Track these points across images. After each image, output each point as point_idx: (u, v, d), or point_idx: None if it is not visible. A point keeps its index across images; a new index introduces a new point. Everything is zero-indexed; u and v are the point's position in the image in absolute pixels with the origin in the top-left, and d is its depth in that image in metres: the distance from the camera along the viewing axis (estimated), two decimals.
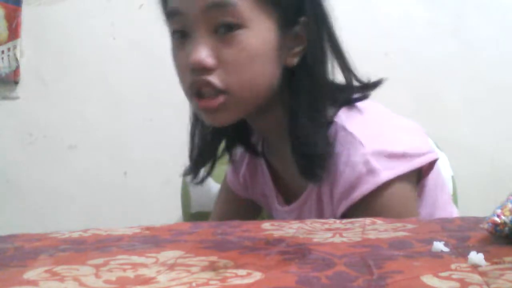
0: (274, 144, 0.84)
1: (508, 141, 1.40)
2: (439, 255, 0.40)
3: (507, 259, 0.38)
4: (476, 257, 0.37)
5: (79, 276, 0.36)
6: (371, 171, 0.70)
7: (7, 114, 1.40)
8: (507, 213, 0.43)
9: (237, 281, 0.34)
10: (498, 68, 1.36)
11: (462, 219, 0.55)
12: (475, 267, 0.36)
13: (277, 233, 0.51)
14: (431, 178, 0.79)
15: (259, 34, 0.69)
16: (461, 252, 0.40)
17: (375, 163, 0.70)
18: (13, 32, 1.38)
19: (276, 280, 0.34)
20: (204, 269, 0.37)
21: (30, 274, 0.37)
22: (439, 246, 0.41)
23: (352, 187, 0.71)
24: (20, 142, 1.39)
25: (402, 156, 0.71)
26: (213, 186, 1.11)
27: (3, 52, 1.38)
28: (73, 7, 1.37)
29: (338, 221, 0.56)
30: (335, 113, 0.74)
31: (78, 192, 1.37)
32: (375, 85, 0.78)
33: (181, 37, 0.72)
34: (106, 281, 0.35)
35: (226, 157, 0.97)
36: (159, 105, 1.33)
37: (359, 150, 0.71)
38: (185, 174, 0.85)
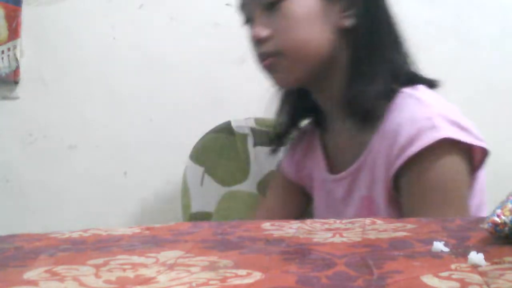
0: (333, 119, 0.90)
1: (508, 141, 1.40)
2: (439, 255, 0.40)
3: (507, 259, 0.38)
4: (476, 257, 0.37)
5: (79, 276, 0.36)
6: (432, 127, 0.73)
7: (7, 114, 1.40)
8: (507, 213, 0.43)
9: (237, 281, 0.34)
10: (498, 68, 1.36)
11: (462, 219, 0.55)
12: (475, 267, 0.36)
13: (277, 233, 0.51)
14: (481, 179, 0.81)
15: (301, 2, 0.80)
16: (461, 252, 0.40)
17: (438, 121, 0.74)
18: (13, 32, 1.38)
19: (276, 280, 0.34)
20: (204, 269, 0.37)
21: (30, 274, 0.37)
22: (439, 246, 0.41)
23: (412, 139, 0.74)
24: (20, 142, 1.39)
25: (464, 128, 0.75)
26: (213, 186, 1.11)
27: (3, 52, 1.38)
28: (73, 7, 1.37)
29: (338, 221, 0.56)
30: (399, 86, 0.80)
31: (78, 192, 1.37)
32: (436, 83, 0.84)
33: (248, 22, 0.87)
34: (106, 281, 0.35)
35: (229, 160, 1.04)
36: (159, 105, 1.33)
37: (423, 109, 0.76)
38: (271, 143, 0.99)
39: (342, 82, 0.82)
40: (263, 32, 0.82)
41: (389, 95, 0.80)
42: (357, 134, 0.84)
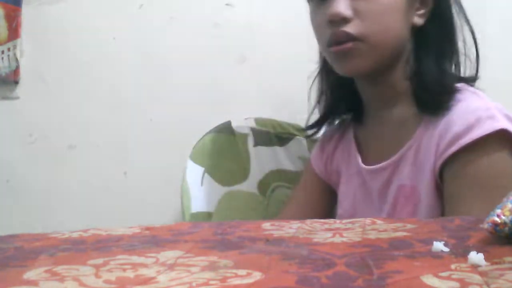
0: (376, 111, 0.91)
1: None
2: (439, 255, 0.40)
3: (507, 259, 0.38)
4: (476, 257, 0.37)
5: (79, 276, 0.36)
6: (491, 117, 0.75)
7: (7, 114, 1.40)
8: (507, 213, 0.43)
9: (237, 281, 0.34)
10: (498, 68, 1.36)
11: (462, 219, 0.55)
12: (475, 267, 0.36)
13: (277, 233, 0.51)
14: None
15: None
16: (461, 252, 0.40)
17: (496, 112, 0.75)
18: (13, 32, 1.38)
19: (276, 280, 0.34)
20: (204, 269, 0.37)
21: (30, 274, 0.37)
22: (439, 246, 0.41)
23: (469, 128, 0.75)
24: (20, 142, 1.39)
25: None
26: (213, 186, 1.11)
27: (3, 52, 1.38)
28: (73, 7, 1.37)
29: (338, 221, 0.56)
30: (457, 82, 0.83)
31: (78, 192, 1.37)
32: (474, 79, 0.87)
33: (319, 1, 0.83)
34: (106, 281, 0.35)
35: (229, 160, 0.99)
36: (159, 105, 1.33)
37: (480, 100, 0.78)
38: (307, 129, 1.00)
39: (402, 75, 0.84)
40: (348, 11, 0.79)
41: (451, 90, 0.82)
42: (402, 125, 0.85)
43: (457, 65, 0.87)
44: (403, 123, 0.85)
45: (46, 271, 0.38)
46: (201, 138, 1.14)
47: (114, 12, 1.36)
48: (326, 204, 1.01)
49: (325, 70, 0.95)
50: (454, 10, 0.86)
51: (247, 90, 1.28)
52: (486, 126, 0.74)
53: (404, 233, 0.49)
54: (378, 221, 0.55)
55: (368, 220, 0.56)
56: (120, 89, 1.36)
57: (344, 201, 0.96)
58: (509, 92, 1.37)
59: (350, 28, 0.80)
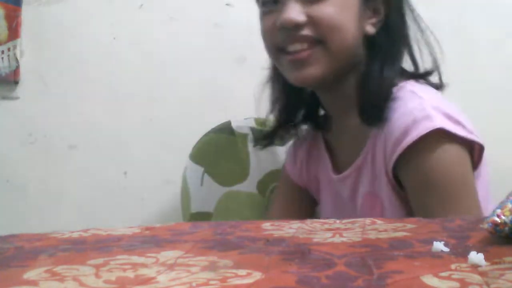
0: (336, 119, 0.91)
1: (508, 141, 1.40)
2: (439, 255, 0.40)
3: (507, 259, 0.38)
4: (476, 257, 0.37)
5: (79, 276, 0.36)
6: (426, 117, 0.74)
7: (7, 114, 1.40)
8: (507, 213, 0.43)
9: (237, 281, 0.34)
10: (498, 68, 1.36)
11: (462, 219, 0.55)
12: (475, 267, 0.36)
13: (277, 233, 0.51)
14: (484, 173, 0.82)
15: None
16: (461, 252, 0.40)
17: (432, 111, 0.74)
18: (13, 32, 1.38)
19: (276, 280, 0.34)
20: (204, 269, 0.37)
21: (30, 274, 0.37)
22: (439, 246, 0.41)
23: (406, 131, 0.74)
24: (20, 142, 1.39)
25: (457, 122, 0.75)
26: (213, 186, 1.11)
27: (3, 52, 1.38)
28: (73, 7, 1.37)
29: (338, 221, 0.56)
30: (402, 81, 0.82)
31: (78, 192, 1.37)
32: (428, 74, 0.86)
33: (271, 4, 0.80)
34: (106, 281, 0.35)
35: (229, 160, 1.04)
36: (159, 105, 1.33)
37: (417, 101, 0.76)
38: (255, 140, 1.00)
39: (354, 84, 0.83)
40: (300, 16, 0.77)
41: (388, 98, 0.80)
42: (358, 132, 0.85)
43: (404, 71, 0.85)
44: (359, 131, 0.84)
45: (46, 271, 0.38)
46: (201, 138, 1.14)
47: (114, 12, 1.36)
48: (306, 211, 1.00)
49: (277, 78, 0.92)
50: (408, 18, 0.85)
51: (247, 90, 1.28)
52: (422, 127, 0.73)
53: (404, 233, 0.49)
54: (378, 221, 0.55)
55: (368, 220, 0.56)
56: (120, 89, 1.35)
57: (325, 207, 0.96)
58: (499, 93, 1.37)
59: (306, 32, 0.78)
